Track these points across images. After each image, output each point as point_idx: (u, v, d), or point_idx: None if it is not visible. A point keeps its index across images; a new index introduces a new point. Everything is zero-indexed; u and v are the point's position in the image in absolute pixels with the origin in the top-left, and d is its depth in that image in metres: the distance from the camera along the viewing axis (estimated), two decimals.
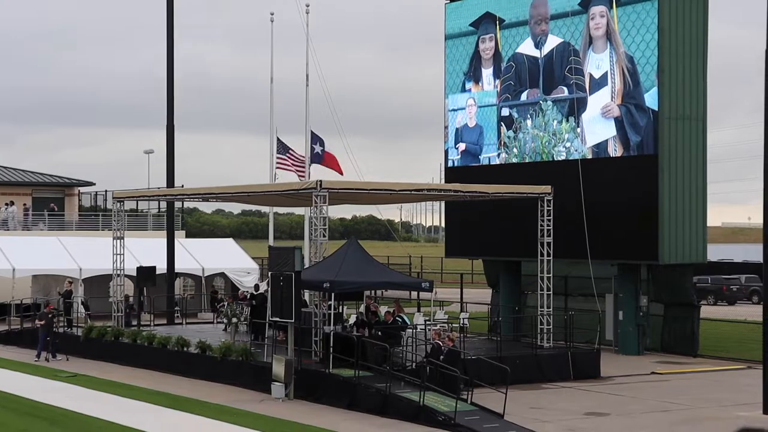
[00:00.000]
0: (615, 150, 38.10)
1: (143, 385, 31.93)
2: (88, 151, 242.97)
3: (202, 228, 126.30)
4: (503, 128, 42.01)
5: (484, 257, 46.00)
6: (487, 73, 42.69)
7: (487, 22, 42.54)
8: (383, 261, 51.46)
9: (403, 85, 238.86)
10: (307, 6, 48.06)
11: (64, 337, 39.99)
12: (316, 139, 46.89)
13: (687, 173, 37.58)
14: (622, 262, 38.54)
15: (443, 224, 55.45)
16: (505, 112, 41.96)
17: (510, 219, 40.07)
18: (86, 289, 49.95)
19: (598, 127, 38.64)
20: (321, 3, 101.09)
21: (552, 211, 35.29)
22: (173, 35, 47.53)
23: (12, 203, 60.92)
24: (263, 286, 39.62)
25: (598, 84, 38.56)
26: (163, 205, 57.42)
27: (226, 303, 41.88)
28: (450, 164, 44.47)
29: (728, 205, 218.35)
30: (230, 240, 62.51)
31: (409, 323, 34.14)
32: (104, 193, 68.39)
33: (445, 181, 44.52)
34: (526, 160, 41.14)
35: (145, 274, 41.47)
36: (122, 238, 41.08)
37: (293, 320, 29.46)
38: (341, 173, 46.09)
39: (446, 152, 44.61)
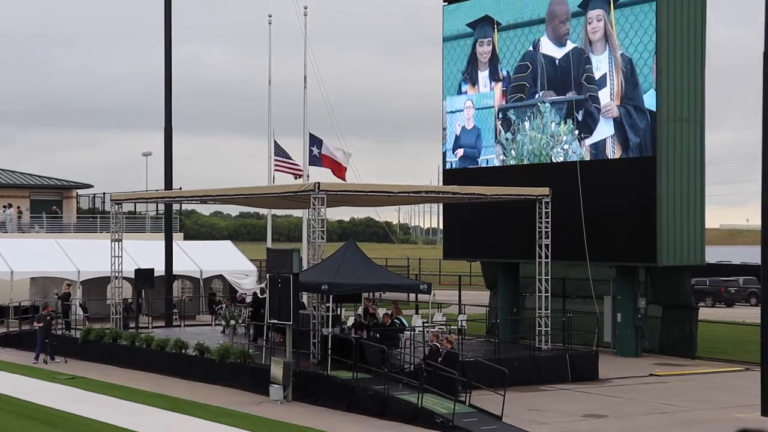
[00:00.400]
0: (613, 152, 38.11)
1: (141, 387, 31.91)
2: (87, 153, 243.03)
3: (200, 230, 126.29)
4: (501, 130, 42.01)
5: (482, 259, 46.00)
6: (483, 75, 42.70)
7: (484, 24, 42.53)
8: (381, 263, 51.45)
9: (401, 86, 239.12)
10: (305, 8, 48.09)
11: (62, 339, 39.97)
12: (314, 141, 46.84)
13: (685, 175, 37.59)
14: (621, 264, 38.54)
15: (441, 226, 55.45)
16: (503, 114, 41.96)
17: (508, 221, 40.07)
18: (84, 292, 49.91)
19: (597, 128, 38.65)
20: (320, 4, 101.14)
21: (550, 213, 35.30)
22: (171, 38, 47.54)
23: (10, 206, 60.90)
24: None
25: (597, 85, 38.58)
26: (161, 207, 57.41)
27: (224, 305, 41.88)
28: (448, 166, 44.46)
29: (726, 207, 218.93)
30: (228, 242, 62.44)
31: (407, 325, 34.15)
32: (102, 195, 68.37)
33: (444, 183, 44.53)
34: (525, 162, 41.15)
35: (144, 276, 41.45)
36: (120, 240, 41.06)
37: (291, 322, 29.46)
38: (343, 179, 45.98)
39: (444, 154, 44.61)
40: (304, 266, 33.09)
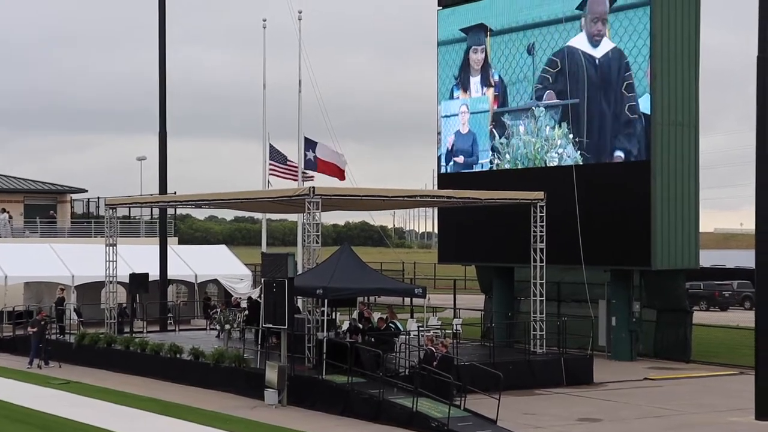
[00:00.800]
0: (608, 155, 38.13)
1: (136, 392, 31.89)
2: (81, 157, 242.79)
3: (194, 234, 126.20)
4: (495, 134, 42.05)
5: (477, 263, 46.03)
6: (475, 80, 42.65)
7: (477, 31, 42.46)
8: (376, 267, 51.44)
9: (396, 91, 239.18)
10: (300, 12, 48.12)
11: (56, 344, 39.92)
12: (309, 145, 46.85)
13: (679, 179, 37.64)
14: (615, 267, 38.57)
15: (436, 230, 55.47)
16: (497, 118, 42.00)
17: (503, 225, 40.10)
18: (79, 296, 49.87)
19: (592, 132, 38.70)
20: (316, 8, 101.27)
21: (545, 217, 35.33)
22: (165, 42, 47.53)
23: (4, 210, 60.83)
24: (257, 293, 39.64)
25: (593, 88, 38.63)
26: (156, 211, 57.38)
27: (219, 309, 41.88)
28: (443, 170, 44.49)
29: (721, 211, 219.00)
30: (223, 246, 62.44)
31: (402, 329, 34.15)
32: (96, 199, 68.32)
33: (438, 188, 44.56)
34: (519, 166, 41.19)
35: (138, 280, 41.44)
36: (115, 244, 41.01)
37: (286, 327, 29.45)
38: (342, 178, 45.97)
39: (439, 158, 44.64)
40: (299, 270, 33.10)
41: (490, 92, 42.11)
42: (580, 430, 25.74)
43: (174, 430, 26.13)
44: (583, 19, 38.76)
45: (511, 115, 41.59)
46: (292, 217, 63.45)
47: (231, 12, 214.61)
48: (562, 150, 39.60)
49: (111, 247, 40.87)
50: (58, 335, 41.68)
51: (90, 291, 49.91)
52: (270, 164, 47.44)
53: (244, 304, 41.34)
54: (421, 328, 35.13)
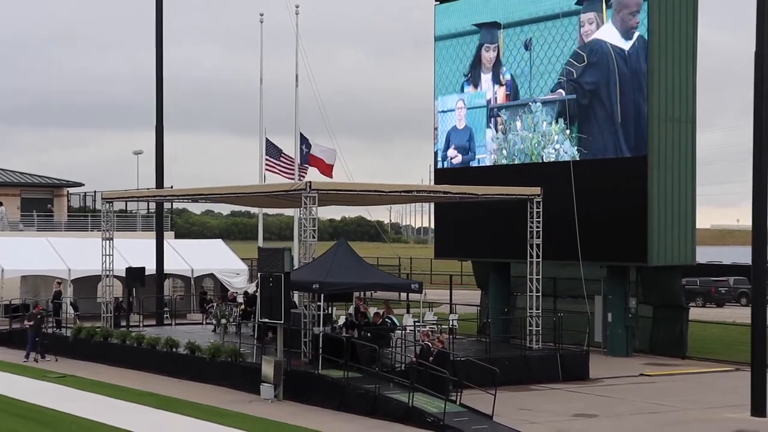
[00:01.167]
0: (605, 151, 38.14)
1: (132, 386, 31.89)
2: (77, 151, 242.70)
3: (191, 229, 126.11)
4: (492, 130, 42.05)
5: (473, 258, 46.04)
6: (486, 77, 42.33)
7: (490, 27, 42.10)
8: (372, 262, 51.48)
9: (393, 86, 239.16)
10: (297, 7, 48.06)
11: (53, 337, 39.93)
12: (303, 140, 46.91)
13: (676, 175, 37.66)
14: (612, 263, 38.59)
15: (433, 225, 55.48)
16: (495, 113, 42.00)
17: (499, 220, 40.11)
18: (75, 290, 49.85)
19: (589, 128, 38.70)
20: (313, 4, 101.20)
21: (541, 212, 35.33)
22: (162, 36, 47.51)
23: (1, 204, 60.73)
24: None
25: (591, 84, 38.63)
26: (152, 205, 57.34)
27: (215, 304, 41.87)
28: (440, 165, 44.49)
29: (717, 207, 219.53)
30: (219, 241, 62.42)
31: (398, 324, 34.15)
32: (93, 193, 68.26)
33: (435, 183, 44.55)
34: (516, 162, 41.19)
35: (135, 274, 41.41)
36: (111, 238, 41.00)
37: (282, 321, 29.46)
38: (330, 176, 46.03)
39: (436, 154, 44.64)
40: (296, 265, 33.11)
41: (502, 90, 41.71)
42: (575, 425, 25.76)
43: (170, 424, 26.13)
44: (612, 11, 38.09)
45: (508, 111, 41.57)
46: (288, 211, 63.31)
47: (228, 10, 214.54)
48: (559, 146, 39.59)
49: (107, 241, 40.85)
50: (54, 329, 41.67)
51: (86, 285, 49.90)
52: (266, 159, 47.43)
53: (240, 299, 41.32)
54: (417, 324, 35.12)
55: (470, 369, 29.09)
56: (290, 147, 47.38)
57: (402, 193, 34.53)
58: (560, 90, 39.33)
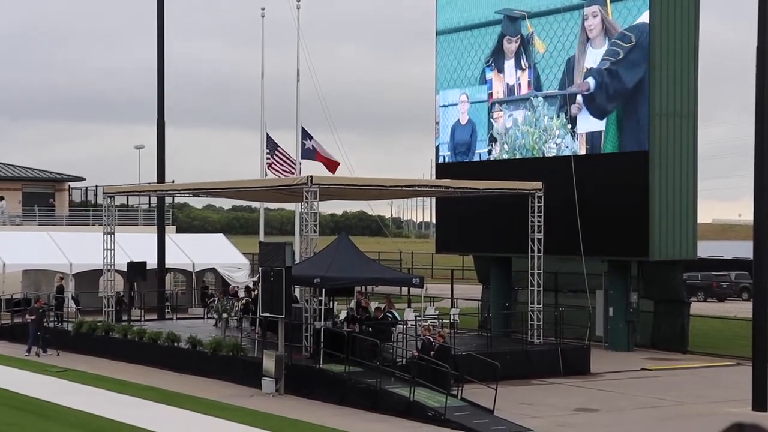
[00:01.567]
0: (608, 146, 38.12)
1: (133, 380, 31.91)
2: (79, 146, 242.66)
3: (192, 223, 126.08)
4: (494, 124, 42.01)
5: (474, 253, 46.03)
6: (509, 64, 41.75)
7: (511, 19, 41.70)
8: (374, 257, 51.44)
9: (394, 80, 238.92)
10: (298, 1, 48.03)
11: (54, 332, 39.95)
12: (306, 134, 46.88)
13: (678, 170, 37.63)
14: (613, 258, 38.58)
15: (434, 220, 55.47)
16: (496, 108, 41.95)
17: (501, 215, 40.09)
18: (77, 284, 49.88)
19: (590, 122, 38.68)
20: (313, 1, 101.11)
21: (543, 207, 35.32)
22: (164, 31, 47.50)
23: (2, 198, 60.77)
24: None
25: (593, 79, 38.59)
26: (154, 200, 57.36)
27: (216, 298, 41.89)
28: (441, 160, 44.46)
29: (719, 202, 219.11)
30: (221, 235, 62.45)
31: (399, 319, 34.16)
32: (95, 188, 68.30)
33: (436, 177, 44.54)
34: (517, 156, 41.16)
35: (136, 269, 41.43)
36: (113, 233, 41.01)
37: (284, 316, 29.46)
38: (334, 166, 46.00)
39: (437, 148, 44.61)
40: (297, 259, 33.11)
41: (524, 76, 41.03)
42: (576, 420, 25.76)
43: (172, 418, 26.13)
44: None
45: (509, 105, 41.53)
46: (289, 206, 63.36)
47: (229, 4, 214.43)
48: (560, 140, 39.57)
49: (109, 236, 40.86)
50: (56, 323, 41.69)
51: (88, 279, 49.92)
52: (267, 154, 47.41)
53: (241, 293, 41.33)
54: (418, 318, 35.13)
55: (471, 363, 29.10)
56: (291, 141, 47.41)
57: (403, 188, 34.55)
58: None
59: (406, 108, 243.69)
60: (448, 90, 43.95)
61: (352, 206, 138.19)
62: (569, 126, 39.22)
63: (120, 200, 54.49)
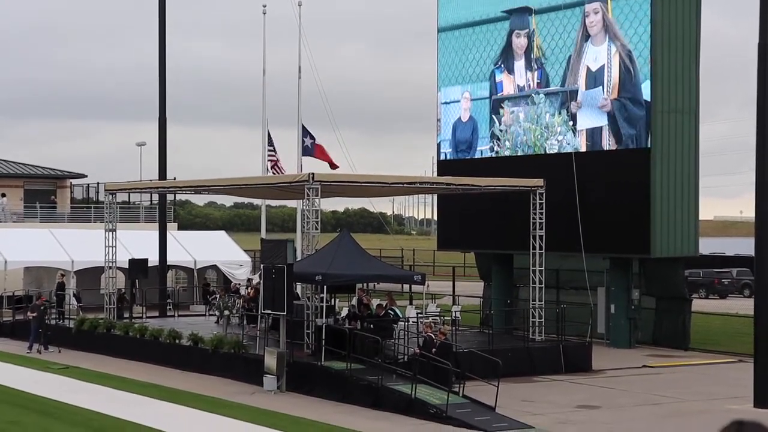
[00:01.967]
0: (609, 143, 38.12)
1: (135, 377, 31.92)
2: (80, 143, 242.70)
3: (194, 220, 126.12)
4: (496, 121, 41.99)
5: (476, 250, 46.03)
6: (519, 65, 41.65)
7: (520, 13, 41.50)
8: (375, 254, 51.49)
9: (395, 79, 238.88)
10: None
11: (56, 329, 39.99)
12: (306, 132, 46.88)
13: (679, 166, 37.61)
14: (614, 255, 38.56)
15: (436, 217, 55.48)
16: (498, 105, 41.91)
17: (502, 212, 40.08)
18: (78, 282, 49.89)
19: (591, 119, 38.65)
20: (314, 1, 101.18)
21: (544, 204, 35.31)
22: (165, 28, 47.49)
23: (3, 195, 60.79)
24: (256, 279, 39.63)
25: (594, 77, 38.56)
26: (155, 197, 57.38)
27: (218, 295, 41.88)
28: (442, 157, 44.44)
29: (720, 199, 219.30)
30: (222, 232, 62.45)
31: (401, 316, 34.17)
32: (96, 185, 68.28)
33: (438, 174, 44.53)
34: (519, 153, 41.14)
35: (137, 266, 41.45)
36: (114, 230, 41.00)
37: (285, 313, 29.47)
38: (334, 166, 46.02)
39: (439, 145, 44.59)
40: (299, 257, 33.12)
41: (534, 76, 40.82)
42: (578, 417, 25.76)
43: (173, 415, 26.12)
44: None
45: (511, 102, 41.50)
46: (291, 203, 63.40)
47: (230, 1, 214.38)
48: (562, 137, 39.54)
49: (110, 233, 40.85)
50: (57, 320, 41.70)
51: (89, 276, 49.92)
52: (269, 150, 47.42)
53: (243, 291, 41.32)
54: (420, 315, 35.14)
55: (473, 360, 29.11)
56: (293, 139, 47.41)
57: (405, 185, 34.54)
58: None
59: (407, 106, 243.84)
60: (450, 87, 43.93)
61: (354, 203, 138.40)
62: (571, 123, 39.20)
63: (122, 197, 54.52)
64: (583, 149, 38.77)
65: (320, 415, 25.61)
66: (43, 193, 65.07)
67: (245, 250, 58.04)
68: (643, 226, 36.91)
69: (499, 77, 41.94)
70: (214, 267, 55.52)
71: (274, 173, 45.83)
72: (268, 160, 47.25)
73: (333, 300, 34.92)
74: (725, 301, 61.31)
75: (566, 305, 35.96)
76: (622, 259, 38.81)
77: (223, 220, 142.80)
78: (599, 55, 38.41)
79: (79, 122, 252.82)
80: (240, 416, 25.38)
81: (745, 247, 64.63)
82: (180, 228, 64.63)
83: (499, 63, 41.81)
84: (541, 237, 35.45)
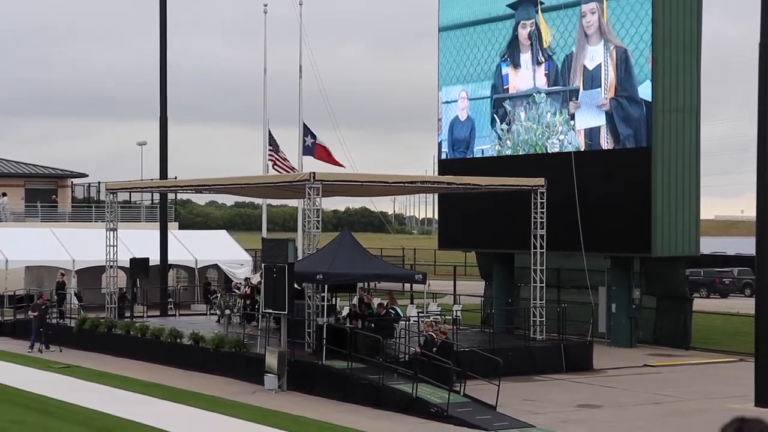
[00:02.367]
0: (607, 142, 38.12)
1: (136, 376, 31.93)
2: (81, 143, 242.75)
3: (195, 219, 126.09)
4: (497, 120, 41.98)
5: (477, 249, 46.03)
6: (525, 57, 41.30)
7: (526, 5, 41.26)
8: (376, 253, 51.50)
9: (396, 78, 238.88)
10: None
11: (57, 328, 39.99)
12: (307, 131, 46.92)
13: (680, 166, 37.60)
14: (615, 254, 38.56)
15: (437, 216, 55.50)
16: (498, 104, 41.91)
17: (503, 211, 40.08)
18: (79, 281, 49.91)
19: (590, 119, 38.64)
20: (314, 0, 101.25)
21: (545, 203, 35.31)
22: (166, 27, 47.52)
23: (4, 194, 60.80)
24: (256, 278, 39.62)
25: (592, 76, 38.57)
26: (156, 196, 57.40)
27: (219, 295, 41.88)
28: (443, 156, 44.45)
29: (721, 198, 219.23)
30: (223, 232, 62.46)
31: (401, 315, 34.17)
32: (97, 184, 68.27)
33: (439, 174, 44.54)
34: (520, 153, 41.13)
35: (139, 265, 41.46)
36: (115, 229, 41.01)
37: (286, 312, 29.47)
38: (338, 164, 46.01)
39: (440, 144, 44.59)
40: (299, 256, 33.12)
41: (541, 69, 40.71)
42: (579, 416, 25.77)
43: (175, 414, 26.13)
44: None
45: (512, 101, 41.50)
46: (292, 202, 63.42)
47: (230, 2, 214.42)
48: (563, 137, 39.54)
49: (111, 232, 40.86)
50: (58, 319, 41.72)
51: (90, 275, 49.94)
52: (270, 150, 47.45)
53: (242, 289, 41.31)
54: (421, 314, 35.14)
55: (474, 360, 29.11)
56: (294, 138, 47.45)
57: (406, 184, 34.53)
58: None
59: (407, 106, 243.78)
60: (451, 86, 43.93)
61: (355, 202, 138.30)
62: (571, 122, 39.21)
63: (123, 196, 54.51)
64: (583, 148, 38.75)
65: (321, 414, 25.61)
66: (44, 193, 65.08)
67: (246, 250, 58.05)
68: (644, 226, 36.91)
69: (505, 70, 41.87)
70: (215, 266, 55.53)
71: (280, 172, 45.88)
72: (269, 159, 47.28)
73: (334, 299, 34.92)
74: (726, 301, 61.30)
75: (567, 304, 35.96)
76: (623, 258, 38.81)
77: (224, 219, 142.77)
78: (596, 54, 38.38)
79: (80, 122, 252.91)
80: (241, 415, 25.38)
81: (746, 246, 64.56)
82: (181, 227, 64.65)
83: (506, 56, 41.72)
84: (542, 236, 35.45)
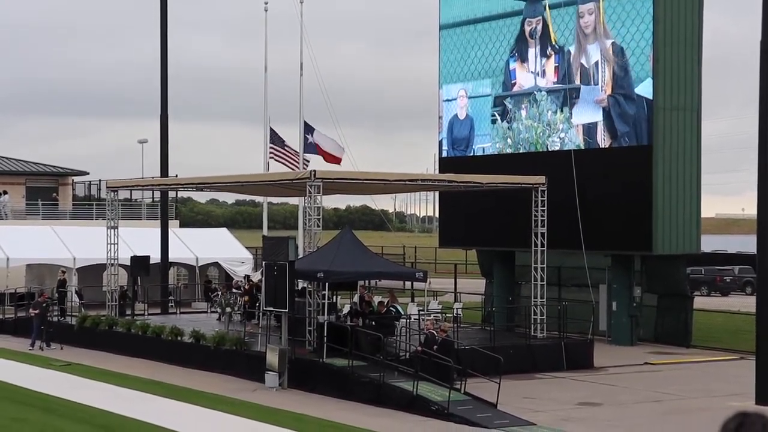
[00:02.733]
0: (604, 139, 38.11)
1: (137, 374, 31.94)
2: (82, 140, 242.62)
3: (196, 217, 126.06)
4: (497, 118, 41.96)
5: (478, 247, 46.02)
6: (533, 52, 40.97)
7: (534, 1, 40.94)
8: (377, 251, 51.46)
9: (396, 76, 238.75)
10: None
11: (58, 326, 39.99)
12: (308, 129, 46.90)
13: (681, 164, 37.59)
14: (616, 252, 38.56)
15: (437, 214, 55.48)
16: (499, 102, 41.91)
17: (504, 209, 40.07)
18: (80, 279, 49.92)
19: (587, 115, 38.63)
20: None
21: (546, 201, 35.30)
22: (167, 25, 47.50)
23: (5, 192, 60.81)
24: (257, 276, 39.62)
25: (589, 73, 38.55)
26: (157, 194, 57.40)
27: (219, 292, 41.89)
28: (444, 154, 44.44)
29: (722, 196, 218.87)
30: (224, 230, 62.49)
31: (402, 313, 34.18)
32: (98, 182, 68.26)
33: (440, 171, 44.52)
34: (520, 151, 41.12)
35: (139, 263, 41.46)
36: (116, 227, 41.04)
37: (287, 310, 29.48)
38: (338, 162, 46.02)
39: (440, 143, 44.58)
40: (300, 254, 33.13)
41: (550, 63, 40.39)
42: (580, 414, 25.78)
43: (176, 412, 26.14)
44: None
45: (512, 99, 41.49)
46: (293, 200, 63.33)
47: (231, 1, 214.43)
48: (563, 134, 39.53)
49: (112, 230, 40.88)
50: (59, 317, 41.74)
51: (91, 273, 49.95)
52: (270, 147, 47.43)
53: (243, 284, 41.31)
54: (421, 312, 35.14)
55: (474, 357, 29.10)
56: (294, 136, 47.44)
57: (407, 182, 34.53)
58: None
59: (408, 104, 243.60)
60: (452, 84, 43.91)
61: (356, 200, 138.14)
62: (572, 120, 39.19)
63: (123, 194, 54.50)
64: (584, 147, 38.73)
65: (322, 412, 25.63)
66: (45, 191, 65.07)
67: (247, 248, 58.06)
68: (644, 224, 36.91)
69: (513, 65, 41.78)
70: (216, 264, 55.55)
71: (289, 166, 45.86)
72: (272, 155, 47.24)
73: (335, 297, 34.92)
74: (727, 299, 61.32)
75: (568, 302, 35.96)
76: (623, 256, 38.82)
77: (225, 217, 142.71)
78: (593, 52, 38.33)
79: (80, 120, 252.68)
80: (242, 413, 25.40)
81: (747, 244, 64.57)
82: (182, 225, 64.65)
83: (514, 51, 41.61)
84: (542, 234, 35.44)
